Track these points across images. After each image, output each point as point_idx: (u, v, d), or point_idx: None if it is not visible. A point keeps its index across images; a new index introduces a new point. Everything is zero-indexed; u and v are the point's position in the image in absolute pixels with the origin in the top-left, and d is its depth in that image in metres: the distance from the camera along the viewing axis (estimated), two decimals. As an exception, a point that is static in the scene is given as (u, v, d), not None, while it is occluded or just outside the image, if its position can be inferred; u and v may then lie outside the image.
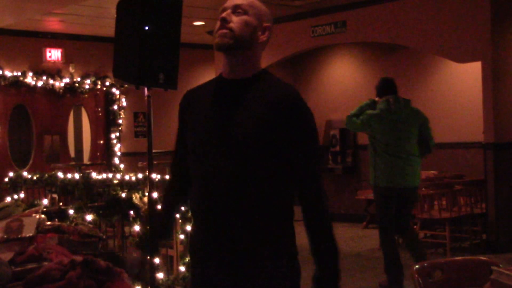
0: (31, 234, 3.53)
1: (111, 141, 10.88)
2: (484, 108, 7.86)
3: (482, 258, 2.72)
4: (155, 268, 4.29)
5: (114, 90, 10.88)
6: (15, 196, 6.96)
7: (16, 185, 7.10)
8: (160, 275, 5.35)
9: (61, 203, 6.68)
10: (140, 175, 5.95)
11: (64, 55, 10.47)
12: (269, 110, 2.16)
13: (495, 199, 7.73)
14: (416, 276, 2.55)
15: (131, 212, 5.69)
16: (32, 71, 10.04)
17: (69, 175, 6.56)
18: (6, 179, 7.24)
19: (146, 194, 4.73)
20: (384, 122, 5.83)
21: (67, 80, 10.38)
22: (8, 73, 9.80)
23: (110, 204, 5.86)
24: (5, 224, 3.63)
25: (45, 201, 6.44)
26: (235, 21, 2.19)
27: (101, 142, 11.02)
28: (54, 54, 10.38)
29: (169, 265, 5.96)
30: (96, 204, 6.11)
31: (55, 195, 6.92)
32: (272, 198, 2.18)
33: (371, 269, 6.98)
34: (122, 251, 6.03)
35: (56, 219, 4.56)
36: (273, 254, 2.18)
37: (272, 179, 2.18)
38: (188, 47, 10.76)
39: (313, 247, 2.22)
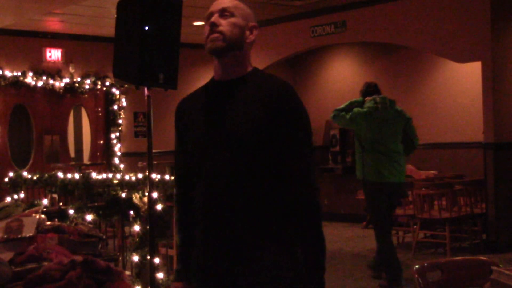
0: (31, 234, 3.52)
1: (111, 141, 10.88)
2: (484, 108, 7.86)
3: (482, 258, 2.72)
4: (155, 268, 4.29)
5: (114, 90, 10.88)
6: (15, 196, 6.96)
7: (16, 185, 7.11)
8: (160, 275, 5.35)
9: (61, 203, 6.68)
10: (140, 175, 5.95)
11: (64, 55, 10.47)
12: (262, 105, 2.20)
13: (495, 199, 7.73)
14: (416, 276, 2.55)
15: (131, 212, 5.69)
16: (32, 71, 10.04)
17: (69, 175, 6.56)
18: (6, 179, 7.24)
19: (146, 194, 4.73)
20: (371, 120, 6.05)
21: (67, 80, 10.38)
22: (8, 73, 9.80)
23: (110, 204, 5.87)
24: (5, 224, 3.63)
25: (45, 201, 6.44)
26: (224, 24, 2.25)
27: (101, 142, 11.02)
28: (54, 54, 10.38)
29: (169, 265, 5.96)
30: (96, 204, 6.11)
31: (55, 195, 6.92)
32: (271, 192, 2.21)
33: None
34: (122, 251, 6.03)
35: (56, 219, 4.56)
36: (275, 247, 2.21)
37: (270, 173, 2.21)
38: (188, 47, 10.76)
39: (298, 237, 2.21)
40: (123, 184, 5.97)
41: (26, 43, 10.11)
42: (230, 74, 2.28)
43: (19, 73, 9.88)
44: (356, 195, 9.76)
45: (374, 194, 6.06)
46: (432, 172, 9.32)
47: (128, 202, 5.69)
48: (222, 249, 2.23)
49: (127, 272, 5.54)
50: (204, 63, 11.29)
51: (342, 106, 6.29)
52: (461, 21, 8.02)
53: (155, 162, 4.20)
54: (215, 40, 2.24)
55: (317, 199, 2.23)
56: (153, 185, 4.53)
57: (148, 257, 4.25)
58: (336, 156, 10.77)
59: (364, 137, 6.07)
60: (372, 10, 8.91)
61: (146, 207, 4.85)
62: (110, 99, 10.94)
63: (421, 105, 9.87)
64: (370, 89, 6.33)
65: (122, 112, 10.98)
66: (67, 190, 6.51)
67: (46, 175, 6.85)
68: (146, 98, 3.91)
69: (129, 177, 6.01)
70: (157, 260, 4.69)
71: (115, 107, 10.92)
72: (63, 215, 5.47)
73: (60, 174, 6.67)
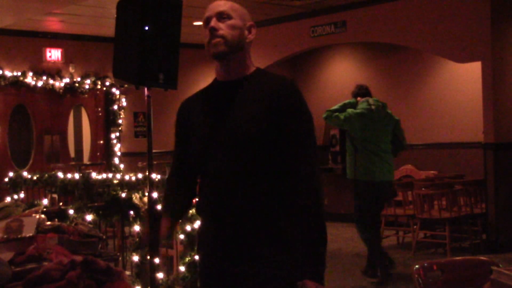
0: (31, 234, 3.52)
1: (111, 141, 10.88)
2: (484, 108, 7.86)
3: (482, 258, 2.72)
4: (155, 268, 4.29)
5: (114, 90, 10.88)
6: (15, 196, 6.96)
7: (16, 185, 7.11)
8: (160, 275, 5.35)
9: (61, 203, 6.68)
10: (140, 175, 5.96)
11: (64, 55, 10.47)
12: (265, 103, 2.23)
13: (495, 199, 7.73)
14: (416, 276, 2.55)
15: (131, 212, 5.69)
16: (32, 71, 10.04)
17: (69, 175, 6.56)
18: (6, 179, 7.25)
19: (146, 194, 4.73)
20: (365, 121, 6.30)
21: (67, 80, 10.38)
22: (8, 73, 9.79)
23: (110, 204, 5.87)
24: (5, 224, 3.63)
25: (45, 201, 6.44)
26: (223, 27, 2.28)
27: (101, 142, 11.02)
28: (54, 54, 10.38)
29: (169, 265, 5.96)
30: (96, 204, 6.11)
31: (55, 195, 6.93)
32: (275, 190, 2.24)
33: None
34: (122, 251, 6.03)
35: (56, 219, 4.55)
36: (277, 245, 2.24)
37: (274, 172, 2.24)
38: (188, 47, 10.76)
39: (301, 234, 2.20)
40: (123, 184, 5.98)
41: (26, 43, 10.11)
42: (232, 75, 2.32)
43: (19, 73, 9.88)
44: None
45: (364, 194, 6.28)
46: (432, 172, 9.32)
47: (128, 202, 5.69)
48: (227, 248, 2.26)
49: (127, 272, 5.54)
50: (204, 63, 11.29)
51: (335, 107, 6.56)
52: (461, 21, 8.02)
53: (155, 162, 4.19)
54: (217, 45, 2.27)
55: (321, 197, 2.24)
56: (153, 185, 4.53)
57: (148, 257, 4.24)
58: (336, 156, 10.76)
59: (357, 137, 6.31)
60: (372, 10, 8.91)
61: (146, 207, 4.85)
62: (110, 99, 10.94)
63: (421, 105, 9.87)
64: (361, 91, 6.57)
65: (122, 112, 10.97)
66: (67, 190, 6.52)
67: (46, 175, 6.85)
68: (146, 98, 3.91)
69: (129, 177, 6.01)
70: (157, 260, 4.69)
71: (115, 107, 10.92)
72: (63, 215, 5.47)
73: (60, 174, 6.67)
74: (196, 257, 5.61)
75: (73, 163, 10.12)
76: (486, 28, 7.75)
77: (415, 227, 7.86)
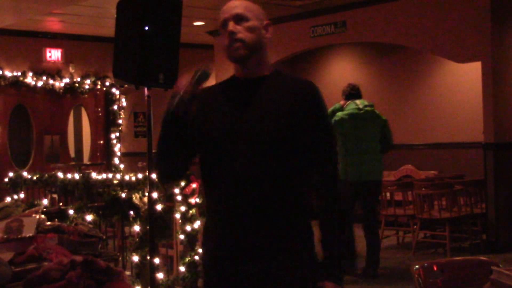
0: (31, 234, 3.53)
1: (111, 141, 10.88)
2: (484, 108, 7.86)
3: (482, 258, 2.72)
4: (155, 268, 4.29)
5: (114, 90, 10.88)
6: (15, 196, 6.96)
7: (16, 185, 7.11)
8: (160, 275, 5.35)
9: (61, 203, 6.68)
10: (140, 175, 5.96)
11: (64, 55, 10.47)
12: (289, 103, 2.25)
13: (495, 199, 7.73)
14: (416, 276, 2.55)
15: (131, 212, 5.69)
16: (32, 71, 10.04)
17: (69, 175, 6.56)
18: (6, 179, 7.24)
19: (146, 194, 4.73)
20: (355, 122, 6.47)
21: (67, 80, 10.39)
22: (8, 73, 9.80)
23: (110, 204, 5.87)
24: (5, 224, 3.63)
25: (45, 201, 6.44)
26: (242, 30, 2.26)
27: (101, 142, 11.03)
28: (54, 54, 10.38)
29: (169, 265, 5.96)
30: (96, 204, 6.11)
31: (55, 195, 6.93)
32: (296, 190, 2.26)
33: (371, 269, 6.98)
34: (122, 251, 6.03)
35: (56, 219, 4.56)
36: (298, 245, 2.25)
37: (296, 171, 2.26)
38: (188, 47, 10.76)
39: (321, 231, 2.28)
40: (123, 184, 5.97)
41: (26, 43, 10.11)
42: (252, 74, 2.32)
43: (19, 73, 9.88)
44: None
45: (352, 193, 6.42)
46: (432, 172, 9.32)
47: (128, 202, 5.69)
48: (246, 248, 2.22)
49: (127, 272, 5.54)
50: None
51: None
52: (461, 21, 8.02)
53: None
54: (237, 49, 2.26)
55: (342, 199, 2.31)
56: (153, 185, 4.53)
57: (148, 257, 4.24)
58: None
59: (348, 138, 6.45)
60: (372, 10, 8.91)
61: (146, 207, 4.85)
62: (110, 99, 10.94)
63: (421, 105, 9.87)
64: (353, 91, 6.69)
65: (122, 112, 10.98)
66: (67, 190, 6.51)
67: (46, 175, 6.85)
68: (146, 98, 3.91)
69: (129, 177, 6.01)
70: (157, 260, 4.69)
71: (115, 107, 10.92)
72: (63, 215, 5.47)
73: (60, 174, 6.67)
74: (196, 257, 5.61)
75: (73, 163, 10.12)
76: (486, 28, 7.75)
77: (415, 227, 7.86)
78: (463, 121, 9.28)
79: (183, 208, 5.59)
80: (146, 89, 3.88)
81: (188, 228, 5.59)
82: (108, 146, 10.91)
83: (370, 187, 6.49)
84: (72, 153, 10.91)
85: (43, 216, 3.93)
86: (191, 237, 5.62)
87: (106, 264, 2.70)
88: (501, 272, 2.18)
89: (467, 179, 8.24)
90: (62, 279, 2.59)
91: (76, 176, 6.49)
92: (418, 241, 7.83)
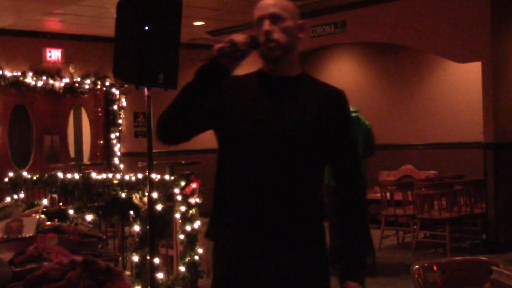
0: (31, 234, 3.52)
1: (111, 141, 10.87)
2: (484, 108, 7.86)
3: (482, 258, 2.72)
4: (155, 268, 4.29)
5: (114, 90, 10.88)
6: (15, 196, 6.96)
7: (16, 185, 7.10)
8: (160, 275, 5.35)
9: (61, 203, 6.68)
10: (140, 175, 5.95)
11: (64, 55, 10.47)
12: (320, 109, 2.27)
13: (495, 199, 7.72)
14: (416, 276, 2.55)
15: (131, 212, 5.69)
16: (32, 71, 10.04)
17: (69, 175, 6.56)
18: (6, 179, 7.24)
19: (146, 194, 4.73)
20: None
21: (67, 80, 10.38)
22: (8, 73, 9.79)
23: (110, 204, 5.87)
24: (5, 224, 3.63)
25: (45, 201, 6.44)
26: (278, 30, 2.25)
27: (101, 142, 11.02)
28: (54, 54, 10.38)
29: (169, 265, 5.96)
30: (96, 204, 6.11)
31: (55, 195, 6.92)
32: (317, 193, 2.30)
33: (371, 269, 6.98)
34: (122, 251, 6.03)
35: (56, 219, 4.56)
36: (318, 246, 2.29)
37: (317, 175, 2.31)
38: (188, 47, 10.74)
39: (346, 233, 2.32)
40: (123, 184, 5.97)
41: (26, 43, 10.11)
42: (284, 72, 2.31)
43: (19, 73, 9.88)
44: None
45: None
46: (432, 172, 9.32)
47: (128, 202, 5.70)
48: (266, 242, 2.21)
49: (127, 272, 5.54)
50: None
51: None
52: (461, 21, 8.02)
53: (155, 162, 4.20)
54: (273, 50, 2.24)
55: (366, 202, 2.43)
56: (153, 185, 4.53)
57: (148, 257, 4.25)
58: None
59: None
60: (372, 10, 8.91)
61: (146, 207, 4.85)
62: (110, 99, 10.93)
63: (421, 105, 9.87)
64: None
65: (122, 112, 10.97)
66: (67, 190, 6.51)
67: (46, 175, 6.84)
68: (146, 98, 3.91)
69: (129, 177, 6.01)
70: (157, 260, 4.69)
71: (115, 107, 10.91)
72: (63, 215, 5.47)
73: (60, 174, 6.67)
74: (196, 257, 5.61)
75: (73, 163, 10.11)
76: (486, 28, 7.75)
77: (415, 227, 7.86)
78: (463, 121, 9.28)
79: (183, 208, 5.59)
80: (146, 89, 3.88)
81: (188, 228, 5.60)
82: (108, 146, 10.90)
83: None
84: (72, 153, 10.91)
85: (43, 216, 3.93)
86: (191, 237, 5.62)
87: (106, 264, 2.70)
88: (501, 272, 2.18)
89: (467, 179, 8.24)
90: (62, 279, 2.59)
91: (76, 176, 6.49)
92: (418, 241, 7.83)
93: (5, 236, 3.49)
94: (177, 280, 5.59)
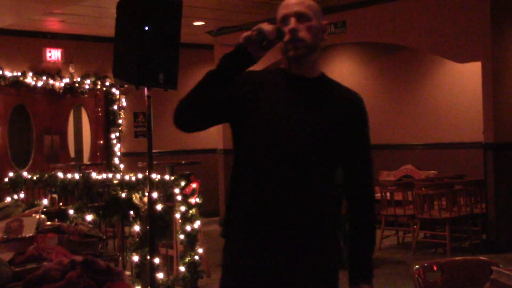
0: (31, 234, 3.52)
1: (111, 141, 10.87)
2: (484, 108, 7.86)
3: (482, 258, 2.72)
4: (155, 268, 4.29)
5: (114, 90, 10.88)
6: (15, 196, 6.96)
7: (16, 185, 7.10)
8: (160, 275, 5.35)
9: (61, 203, 6.68)
10: (140, 175, 5.95)
11: (64, 55, 10.47)
12: (340, 112, 2.28)
13: (495, 199, 7.72)
14: (416, 276, 2.55)
15: (131, 212, 5.69)
16: (32, 71, 10.04)
17: (69, 175, 6.56)
18: (6, 179, 7.24)
19: (146, 194, 4.73)
20: None
21: (67, 80, 10.38)
22: (8, 73, 9.79)
23: (110, 204, 5.87)
24: (5, 224, 3.63)
25: (45, 201, 6.44)
26: (303, 29, 2.24)
27: (101, 142, 11.02)
28: (54, 54, 10.38)
29: (169, 265, 5.96)
30: (96, 204, 6.11)
31: (55, 195, 6.92)
32: (334, 196, 2.31)
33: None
34: (122, 251, 6.03)
35: (56, 219, 4.56)
36: (330, 249, 2.30)
37: (333, 176, 2.31)
38: (188, 47, 10.76)
39: (355, 236, 2.34)
40: (123, 184, 5.97)
41: (26, 43, 10.11)
42: (305, 72, 2.31)
43: (19, 73, 9.88)
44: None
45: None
46: (432, 172, 9.32)
47: (128, 202, 5.69)
48: (282, 250, 2.21)
49: (127, 272, 5.54)
50: (204, 63, 11.30)
51: None
52: (461, 21, 8.02)
53: (155, 162, 4.20)
54: (298, 48, 2.24)
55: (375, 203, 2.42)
56: (153, 185, 4.53)
57: (148, 257, 4.25)
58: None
59: None
60: (372, 10, 8.91)
61: (146, 207, 4.85)
62: (110, 99, 10.93)
63: (421, 105, 9.87)
64: None
65: (122, 112, 10.97)
66: (67, 190, 6.51)
67: (46, 175, 6.85)
68: (146, 98, 3.91)
69: (129, 177, 6.01)
70: (157, 260, 4.70)
71: (115, 107, 10.91)
72: (63, 215, 5.48)
73: (60, 174, 6.67)
74: (196, 257, 5.61)
75: (73, 163, 10.12)
76: (486, 28, 7.75)
77: (415, 227, 7.86)
78: (463, 121, 9.28)
79: (183, 208, 5.60)
80: (146, 89, 3.88)
81: (188, 228, 5.60)
82: (108, 146, 10.90)
83: None
84: (72, 153, 10.91)
85: (43, 216, 3.93)
86: (191, 237, 5.62)
87: (106, 264, 2.70)
88: (501, 272, 2.18)
89: (467, 179, 8.24)
90: (62, 279, 2.59)
91: (76, 176, 6.49)
92: (418, 241, 7.83)
93: (5, 236, 3.50)
94: (177, 280, 5.59)
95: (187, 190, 5.62)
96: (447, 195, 7.54)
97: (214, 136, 10.63)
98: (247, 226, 2.25)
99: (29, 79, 9.95)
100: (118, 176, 6.25)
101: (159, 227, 5.33)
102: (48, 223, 3.88)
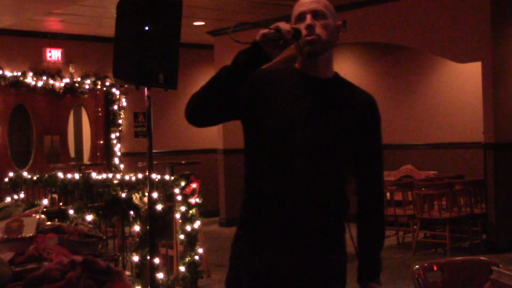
0: (31, 234, 3.53)
1: (111, 141, 10.87)
2: (484, 108, 7.86)
3: (482, 258, 2.72)
4: (155, 268, 4.29)
5: (114, 90, 10.88)
6: (15, 196, 6.96)
7: (16, 185, 7.10)
8: (160, 275, 5.35)
9: (61, 203, 6.68)
10: (140, 175, 5.95)
11: (64, 55, 10.47)
12: (353, 114, 2.30)
13: (495, 199, 7.72)
14: (416, 276, 2.55)
15: (131, 212, 5.69)
16: (32, 71, 10.04)
17: (69, 175, 6.56)
18: (6, 179, 7.24)
19: (146, 194, 4.73)
20: None
21: (67, 80, 10.38)
22: (8, 73, 9.79)
23: (110, 204, 5.87)
24: (5, 224, 3.63)
25: (45, 201, 6.45)
26: (319, 26, 2.26)
27: (101, 142, 11.02)
28: (54, 54, 10.38)
29: (169, 265, 5.96)
30: (96, 204, 6.11)
31: (55, 195, 6.92)
32: (344, 197, 2.33)
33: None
34: (122, 251, 6.03)
35: (56, 219, 4.56)
36: (339, 248, 2.32)
37: (344, 178, 2.33)
38: (188, 47, 10.76)
39: (364, 236, 2.36)
40: (123, 184, 5.97)
41: (26, 43, 10.11)
42: (319, 72, 2.31)
43: (19, 73, 9.88)
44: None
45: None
46: (432, 172, 9.32)
47: (128, 202, 5.69)
48: (293, 249, 2.23)
49: (127, 272, 5.54)
50: (204, 63, 11.30)
51: None
52: (461, 21, 8.02)
53: (155, 162, 4.20)
54: (313, 43, 2.24)
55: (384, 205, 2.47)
56: (153, 185, 4.53)
57: (148, 257, 4.25)
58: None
59: None
60: (372, 10, 8.91)
61: (146, 207, 4.85)
62: (110, 99, 10.93)
63: (421, 105, 9.87)
64: None
65: (122, 112, 10.97)
66: (67, 190, 6.51)
67: (46, 175, 6.84)
68: (146, 98, 3.91)
69: (129, 177, 6.01)
70: (157, 260, 4.69)
71: (115, 107, 10.92)
72: (63, 215, 5.48)
73: (60, 174, 6.67)
74: (196, 257, 5.61)
75: (73, 163, 10.11)
76: (486, 28, 7.75)
77: (415, 227, 7.86)
78: (463, 121, 9.29)
79: (183, 208, 5.60)
80: (146, 89, 3.88)
81: (188, 228, 5.60)
82: (108, 146, 10.90)
83: None
84: (72, 153, 10.91)
85: (43, 216, 3.93)
86: (191, 237, 5.62)
87: (106, 264, 2.70)
88: (501, 272, 2.18)
89: (467, 179, 8.24)
90: (62, 279, 2.59)
91: (76, 176, 6.49)
92: (418, 241, 7.83)
93: (5, 236, 3.50)
94: (177, 280, 5.59)
95: (187, 190, 5.62)
96: (447, 195, 7.54)
97: (214, 136, 10.63)
98: (260, 223, 2.27)
99: (29, 79, 9.96)
100: (118, 176, 6.25)
101: (159, 227, 5.33)
102: (48, 223, 3.88)
